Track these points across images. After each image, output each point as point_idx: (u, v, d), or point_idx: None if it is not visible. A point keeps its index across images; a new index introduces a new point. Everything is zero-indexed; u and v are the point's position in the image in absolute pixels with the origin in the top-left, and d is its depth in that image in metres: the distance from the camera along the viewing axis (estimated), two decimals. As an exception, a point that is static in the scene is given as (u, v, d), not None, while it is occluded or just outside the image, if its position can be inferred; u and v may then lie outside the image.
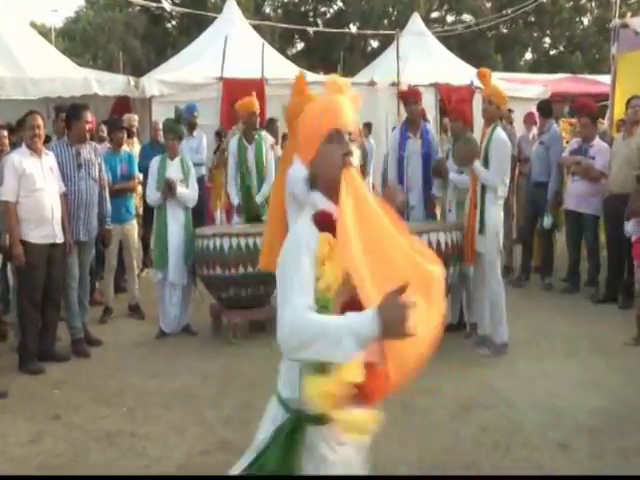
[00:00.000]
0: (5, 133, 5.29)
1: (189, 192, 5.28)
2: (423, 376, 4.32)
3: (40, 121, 4.60)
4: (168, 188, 5.14)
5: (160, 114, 7.93)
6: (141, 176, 6.37)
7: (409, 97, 5.47)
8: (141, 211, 6.77)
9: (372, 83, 10.41)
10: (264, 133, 5.74)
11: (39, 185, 4.52)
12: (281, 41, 21.65)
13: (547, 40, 27.69)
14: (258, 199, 5.53)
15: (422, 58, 12.00)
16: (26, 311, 4.56)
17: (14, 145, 5.11)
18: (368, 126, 9.27)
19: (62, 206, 4.69)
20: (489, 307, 4.75)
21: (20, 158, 4.52)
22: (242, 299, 5.18)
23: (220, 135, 7.70)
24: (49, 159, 4.66)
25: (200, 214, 6.28)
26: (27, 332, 4.56)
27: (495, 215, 4.64)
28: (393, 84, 10.45)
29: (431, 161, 5.34)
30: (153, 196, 5.25)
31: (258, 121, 5.62)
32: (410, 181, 5.33)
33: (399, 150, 5.37)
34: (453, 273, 4.79)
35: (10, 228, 4.44)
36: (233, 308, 5.23)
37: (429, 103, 10.55)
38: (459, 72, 11.82)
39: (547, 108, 6.80)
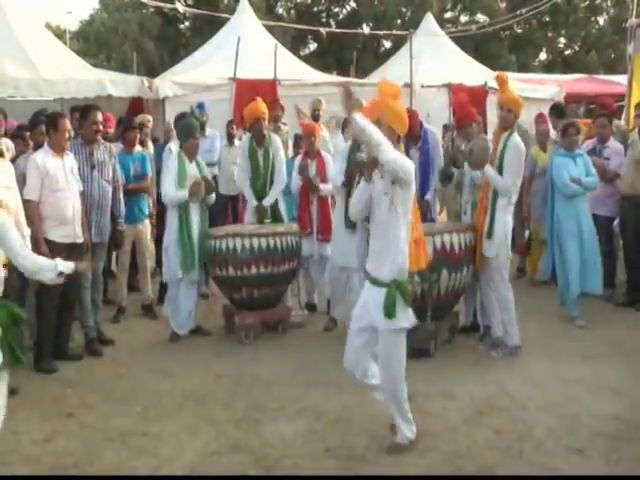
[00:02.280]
0: (28, 134, 5.31)
1: (210, 192, 5.30)
2: (436, 379, 4.33)
3: (69, 124, 4.66)
4: (205, 188, 5.08)
5: (174, 115, 7.94)
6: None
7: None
8: (153, 211, 6.76)
9: (385, 84, 10.35)
10: (273, 136, 5.70)
11: (61, 185, 4.58)
12: (294, 42, 21.61)
13: (562, 40, 27.45)
14: (265, 202, 5.51)
15: (435, 58, 11.95)
16: (45, 310, 4.59)
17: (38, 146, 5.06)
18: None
19: (82, 206, 4.75)
20: (499, 310, 4.72)
21: (43, 158, 4.57)
22: (255, 300, 5.18)
23: (232, 136, 7.64)
24: (70, 159, 4.72)
25: (214, 215, 6.26)
26: (43, 331, 4.59)
27: (504, 221, 4.61)
28: (406, 85, 10.39)
29: (428, 168, 5.32)
30: (175, 194, 5.09)
31: (265, 126, 5.56)
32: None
33: None
34: (466, 275, 4.76)
35: (33, 226, 4.48)
36: (246, 309, 5.22)
37: (442, 104, 10.49)
38: (473, 73, 11.75)
39: (561, 110, 6.77)
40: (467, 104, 5.22)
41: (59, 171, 4.58)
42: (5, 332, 3.00)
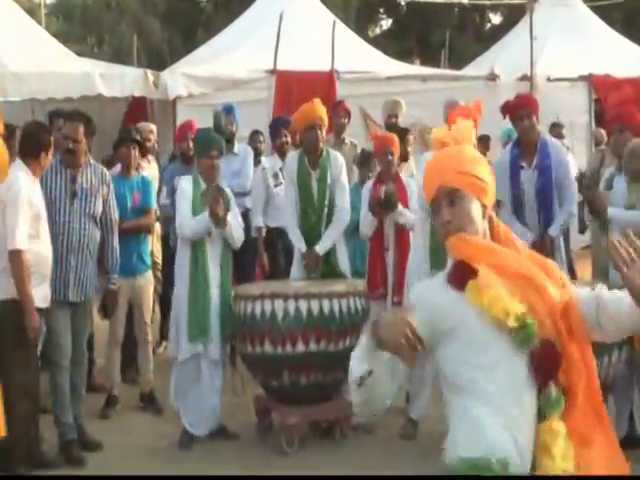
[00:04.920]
0: None
1: (238, 227, 5.38)
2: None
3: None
4: (216, 213, 5.10)
5: (188, 122, 8.25)
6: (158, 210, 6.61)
7: (518, 108, 5.53)
8: (160, 258, 6.99)
9: (492, 76, 10.47)
10: (333, 153, 5.84)
11: (44, 223, 4.75)
12: (360, 18, 22.10)
13: None
14: (319, 248, 5.63)
15: (568, 39, 12.04)
16: (18, 399, 4.64)
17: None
18: (485, 140, 9.22)
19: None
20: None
21: (27, 184, 4.68)
22: (301, 389, 5.24)
23: (259, 152, 7.80)
24: (38, 183, 4.91)
25: (243, 266, 6.40)
26: (14, 427, 4.60)
27: None
28: (524, 78, 10.51)
29: (550, 194, 5.39)
30: (192, 224, 5.20)
31: (321, 137, 5.67)
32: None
33: (511, 187, 5.45)
34: (617, 362, 4.72)
35: (23, 288, 4.55)
36: (288, 402, 5.28)
37: (578, 105, 10.52)
38: (625, 58, 11.75)
39: None
40: (630, 102, 5.28)
41: (40, 202, 4.78)
42: None
